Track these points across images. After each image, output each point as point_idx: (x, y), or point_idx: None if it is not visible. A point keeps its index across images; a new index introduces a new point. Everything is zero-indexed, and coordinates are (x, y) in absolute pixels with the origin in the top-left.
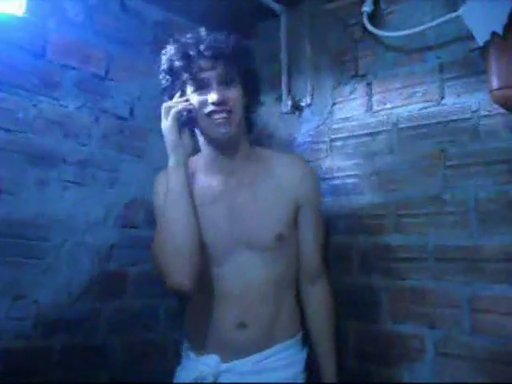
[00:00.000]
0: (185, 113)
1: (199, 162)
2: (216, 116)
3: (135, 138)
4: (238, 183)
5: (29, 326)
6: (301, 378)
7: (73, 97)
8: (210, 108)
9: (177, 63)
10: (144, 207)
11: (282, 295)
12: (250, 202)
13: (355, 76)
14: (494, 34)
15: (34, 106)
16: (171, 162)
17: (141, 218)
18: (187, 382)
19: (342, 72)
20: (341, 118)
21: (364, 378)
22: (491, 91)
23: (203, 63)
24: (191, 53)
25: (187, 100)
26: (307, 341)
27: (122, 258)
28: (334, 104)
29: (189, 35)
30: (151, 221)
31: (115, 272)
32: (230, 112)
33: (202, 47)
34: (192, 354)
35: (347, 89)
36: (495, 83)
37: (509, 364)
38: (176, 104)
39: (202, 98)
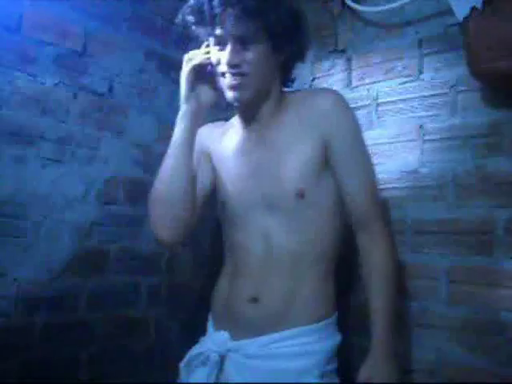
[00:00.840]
0: (209, 67)
1: (233, 119)
2: (228, 78)
3: (114, 115)
4: (261, 138)
5: (9, 305)
6: (314, 374)
7: (50, 73)
8: (224, 68)
9: (191, 17)
10: (124, 184)
11: (306, 270)
12: (271, 157)
13: (334, 51)
14: (473, 9)
15: (10, 82)
16: (180, 112)
17: (121, 195)
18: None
19: (321, 47)
20: None
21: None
22: (469, 66)
23: (218, 17)
24: (205, 6)
25: (208, 53)
26: (340, 328)
27: (102, 234)
28: (313, 79)
29: None
30: (131, 197)
31: (96, 249)
32: (244, 75)
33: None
34: (210, 328)
35: (326, 64)
36: (473, 58)
37: (484, 332)
38: (195, 56)
39: (219, 54)
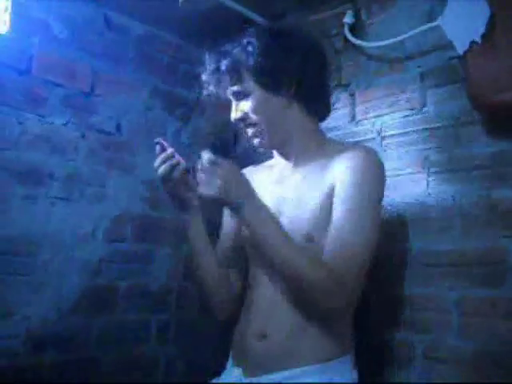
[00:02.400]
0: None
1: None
2: (245, 131)
3: (122, 153)
4: (290, 178)
5: (19, 344)
6: None
7: (59, 113)
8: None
9: (206, 87)
10: (132, 221)
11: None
12: (293, 198)
13: (338, 86)
14: (472, 41)
15: (20, 123)
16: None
17: (129, 232)
18: None
19: None
20: (326, 128)
21: None
22: (470, 99)
23: (216, 84)
24: (204, 78)
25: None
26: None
27: (111, 272)
28: None
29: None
30: (140, 234)
31: (105, 286)
32: (254, 125)
33: (208, 69)
34: (228, 364)
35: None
36: (474, 91)
37: (496, 365)
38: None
39: None
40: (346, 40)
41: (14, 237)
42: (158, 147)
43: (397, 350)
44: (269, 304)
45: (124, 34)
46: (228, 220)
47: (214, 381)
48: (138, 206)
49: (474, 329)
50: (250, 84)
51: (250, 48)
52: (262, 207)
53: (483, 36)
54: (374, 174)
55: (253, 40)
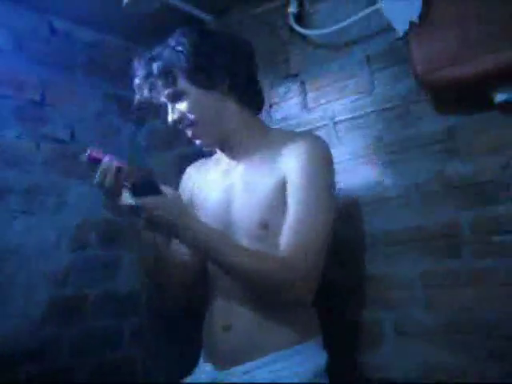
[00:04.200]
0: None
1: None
2: (184, 133)
3: (79, 161)
4: (234, 168)
5: None
6: None
7: (11, 125)
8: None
9: (139, 94)
10: (96, 227)
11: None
12: (242, 188)
13: (288, 76)
14: (411, 22)
15: None
16: None
17: (93, 239)
18: None
19: (275, 74)
20: (279, 119)
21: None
22: (415, 77)
23: (149, 88)
24: (136, 83)
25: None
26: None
27: (78, 280)
28: (270, 105)
29: (133, 64)
30: (104, 240)
31: (73, 295)
32: (191, 125)
33: (137, 76)
34: (200, 361)
35: (282, 89)
36: (417, 69)
37: (463, 333)
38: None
39: None
40: (292, 30)
41: None
42: (86, 158)
43: (366, 328)
44: (230, 295)
45: (70, 40)
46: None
47: (187, 379)
48: (100, 211)
49: (439, 301)
50: (183, 84)
51: (179, 48)
52: (191, 224)
53: (421, 16)
54: (322, 161)
55: (182, 40)
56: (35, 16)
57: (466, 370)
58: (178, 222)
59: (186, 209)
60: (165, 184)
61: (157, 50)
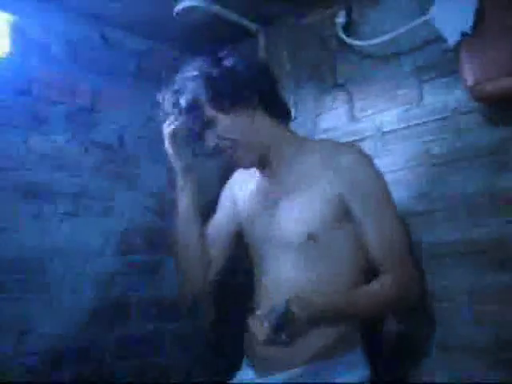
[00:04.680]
0: (187, 132)
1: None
2: (227, 157)
3: (126, 166)
4: (278, 180)
5: (36, 360)
6: None
7: (61, 130)
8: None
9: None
10: (141, 233)
11: None
12: (285, 202)
13: (335, 86)
14: (463, 33)
15: (24, 142)
16: (178, 186)
17: (139, 244)
18: None
19: (321, 83)
20: (325, 129)
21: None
22: (466, 88)
23: (181, 121)
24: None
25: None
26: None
27: (123, 284)
28: (317, 115)
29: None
30: (149, 245)
31: (118, 299)
32: (228, 149)
33: (167, 109)
34: (243, 365)
35: (328, 99)
36: (469, 80)
37: (510, 351)
38: (168, 125)
39: None
40: (340, 40)
41: (25, 255)
42: None
43: (411, 342)
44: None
45: (121, 49)
46: (224, 205)
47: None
48: (146, 217)
49: (488, 316)
50: (210, 113)
51: (198, 80)
52: (326, 306)
53: (473, 27)
54: (374, 173)
55: (199, 71)
56: (88, 26)
57: None
58: (317, 317)
59: (312, 301)
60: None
61: (179, 83)
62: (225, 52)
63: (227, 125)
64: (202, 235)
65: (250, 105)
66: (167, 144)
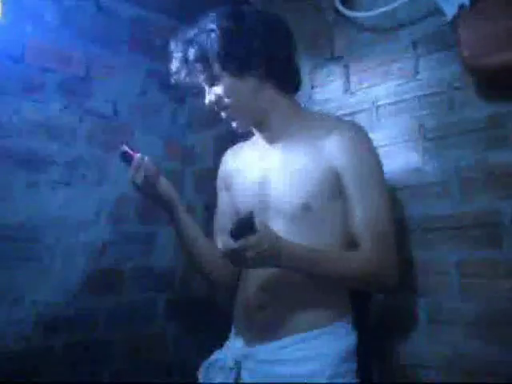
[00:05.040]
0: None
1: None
2: (221, 114)
3: (120, 135)
4: (273, 149)
5: (28, 328)
6: (325, 375)
7: (55, 99)
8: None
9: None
10: (134, 203)
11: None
12: (281, 169)
13: (331, 58)
14: (461, 6)
15: (17, 110)
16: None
17: (132, 214)
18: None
19: (318, 55)
20: (320, 100)
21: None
22: (462, 62)
23: (186, 73)
24: (173, 67)
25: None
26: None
27: (116, 253)
28: (312, 87)
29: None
30: (142, 215)
31: (110, 268)
32: (227, 108)
33: (174, 60)
34: (232, 335)
35: (324, 71)
36: (465, 53)
37: (498, 324)
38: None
39: None
40: (337, 12)
41: (18, 223)
42: (121, 156)
43: (400, 313)
44: (266, 277)
45: (116, 17)
46: (223, 199)
47: (217, 353)
48: None
49: (475, 290)
50: (218, 70)
51: (213, 35)
52: (295, 251)
53: (471, 0)
54: (372, 153)
55: (215, 25)
56: None
57: (497, 360)
58: (281, 254)
59: (280, 237)
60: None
61: (192, 34)
62: (249, 9)
63: (231, 87)
64: (208, 247)
65: (260, 74)
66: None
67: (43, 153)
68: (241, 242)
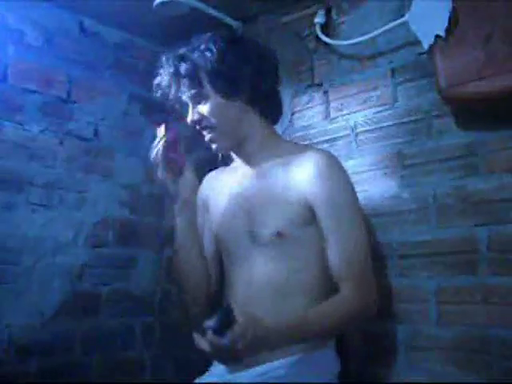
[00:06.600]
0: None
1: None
2: (203, 134)
3: (101, 158)
4: (250, 178)
5: (2, 351)
6: None
7: (36, 120)
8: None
9: (161, 93)
10: (113, 226)
11: (288, 302)
12: (256, 196)
13: (312, 85)
14: (437, 37)
15: None
16: (175, 206)
17: (111, 237)
18: None
19: (299, 82)
20: (301, 127)
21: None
22: (439, 91)
23: (174, 87)
24: (161, 82)
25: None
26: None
27: (93, 277)
28: (293, 113)
29: (160, 62)
30: (121, 239)
31: (88, 291)
32: (210, 128)
33: (163, 74)
34: (214, 362)
35: (305, 98)
36: (442, 83)
37: (474, 351)
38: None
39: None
40: (318, 39)
41: None
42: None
43: (377, 339)
44: (244, 299)
45: (100, 40)
46: (201, 220)
47: (199, 380)
48: (119, 210)
49: (452, 316)
50: (207, 89)
51: (208, 53)
52: (281, 323)
53: (447, 30)
54: (344, 181)
55: (211, 45)
56: (67, 15)
57: None
58: (269, 332)
59: (262, 318)
60: None
61: (185, 50)
62: (245, 37)
63: (218, 107)
64: (202, 256)
65: (246, 99)
66: (160, 173)
67: (22, 174)
68: (229, 336)
